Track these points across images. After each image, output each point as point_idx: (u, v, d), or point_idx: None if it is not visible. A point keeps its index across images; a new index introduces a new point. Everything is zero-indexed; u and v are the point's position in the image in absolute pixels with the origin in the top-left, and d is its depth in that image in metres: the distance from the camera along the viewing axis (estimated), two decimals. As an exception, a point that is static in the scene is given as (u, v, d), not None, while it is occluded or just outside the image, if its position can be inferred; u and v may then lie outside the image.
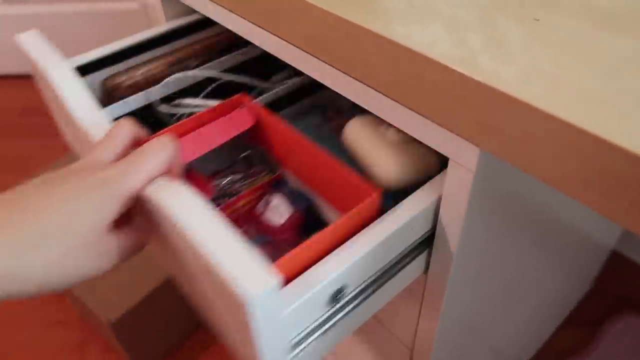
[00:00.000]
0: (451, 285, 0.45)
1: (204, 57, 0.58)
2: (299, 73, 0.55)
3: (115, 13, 1.57)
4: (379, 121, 0.45)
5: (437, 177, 0.41)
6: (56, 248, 0.29)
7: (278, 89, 0.53)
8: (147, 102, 0.54)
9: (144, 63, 0.56)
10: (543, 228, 0.56)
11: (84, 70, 0.54)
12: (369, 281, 0.39)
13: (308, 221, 0.46)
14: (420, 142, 0.41)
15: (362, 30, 0.35)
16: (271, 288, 0.28)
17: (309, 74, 0.43)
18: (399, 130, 0.43)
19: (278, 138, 0.47)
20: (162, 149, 0.34)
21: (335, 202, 0.44)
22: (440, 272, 0.44)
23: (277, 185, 0.49)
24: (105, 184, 0.31)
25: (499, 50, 0.31)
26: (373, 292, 0.40)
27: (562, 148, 0.27)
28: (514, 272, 0.59)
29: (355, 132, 0.46)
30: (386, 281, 0.41)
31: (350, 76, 0.38)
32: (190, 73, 0.55)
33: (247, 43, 0.55)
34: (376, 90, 0.37)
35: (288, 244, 0.43)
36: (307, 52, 0.41)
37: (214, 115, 0.47)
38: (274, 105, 0.53)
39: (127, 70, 0.55)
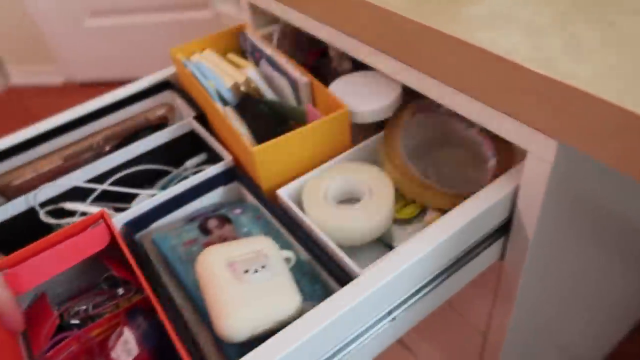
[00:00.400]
0: (526, 274, 0.48)
1: (118, 139, 0.56)
2: (213, 159, 0.54)
3: (191, 22, 1.69)
4: (237, 253, 0.40)
5: (515, 168, 0.45)
6: None
7: (142, 205, 0.48)
8: (28, 207, 0.50)
9: (41, 157, 0.54)
10: (617, 226, 0.57)
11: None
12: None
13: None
14: (283, 285, 0.38)
15: (449, 38, 0.39)
16: None
17: (404, 82, 0.47)
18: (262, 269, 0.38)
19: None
20: None
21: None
22: (516, 259, 0.47)
23: (134, 315, 0.44)
24: None
25: (575, 51, 0.35)
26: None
27: (632, 138, 0.30)
28: (586, 269, 0.60)
29: (205, 265, 0.39)
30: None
31: (438, 80, 0.43)
32: (75, 175, 0.52)
33: (162, 126, 0.58)
34: (462, 92, 0.41)
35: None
36: (397, 59, 0.46)
37: (72, 233, 0.44)
38: (146, 219, 0.49)
39: (20, 166, 0.53)
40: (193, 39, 0.63)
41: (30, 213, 0.51)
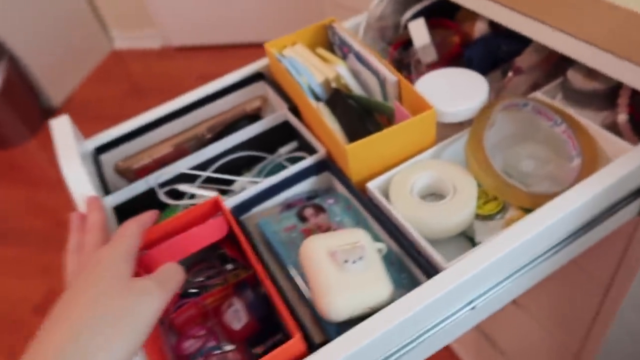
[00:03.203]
0: None
1: (219, 128, 0.63)
2: (304, 147, 0.61)
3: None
4: (337, 243, 0.44)
5: None
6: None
7: (246, 192, 0.54)
8: (148, 188, 0.57)
9: (155, 145, 0.63)
10: None
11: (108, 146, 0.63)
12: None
13: (266, 329, 0.49)
14: (377, 274, 0.43)
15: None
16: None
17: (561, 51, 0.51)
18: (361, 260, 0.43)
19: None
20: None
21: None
22: None
23: (242, 288, 0.52)
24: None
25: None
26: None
27: None
28: None
29: (309, 253, 0.44)
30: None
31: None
32: (184, 163, 0.58)
33: (256, 116, 0.62)
34: (627, 59, 0.45)
35: (241, 352, 0.47)
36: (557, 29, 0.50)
37: (189, 218, 0.50)
38: (249, 204, 0.55)
39: (138, 153, 0.62)
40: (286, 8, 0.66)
41: (148, 193, 0.59)
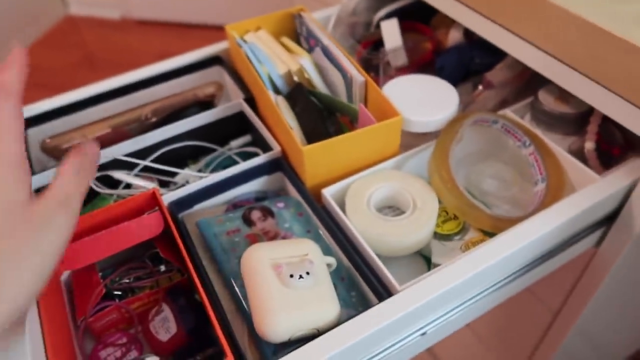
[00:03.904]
0: (618, 263, 0.52)
1: (166, 112, 0.56)
2: (258, 142, 0.56)
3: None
4: (283, 255, 0.40)
5: (635, 162, 0.48)
6: None
7: (189, 187, 0.49)
8: None
9: (89, 123, 0.55)
10: None
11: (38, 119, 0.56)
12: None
13: (197, 341, 0.44)
14: (325, 293, 0.39)
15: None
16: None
17: (536, 69, 0.50)
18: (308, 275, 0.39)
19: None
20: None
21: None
22: (613, 248, 0.51)
23: (174, 294, 0.46)
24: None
25: None
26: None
27: None
28: None
29: (252, 263, 0.40)
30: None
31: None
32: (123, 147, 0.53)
33: (209, 103, 0.58)
34: (602, 85, 0.44)
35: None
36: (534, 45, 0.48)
37: (122, 210, 0.45)
38: (191, 200, 0.50)
39: (71, 131, 0.54)
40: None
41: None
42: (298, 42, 0.62)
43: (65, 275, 0.49)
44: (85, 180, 0.33)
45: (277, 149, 0.52)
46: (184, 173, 0.56)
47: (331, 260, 0.43)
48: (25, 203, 0.29)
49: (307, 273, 0.39)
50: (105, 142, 0.55)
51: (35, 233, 0.29)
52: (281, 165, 0.52)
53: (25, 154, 0.31)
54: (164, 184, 0.56)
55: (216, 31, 2.16)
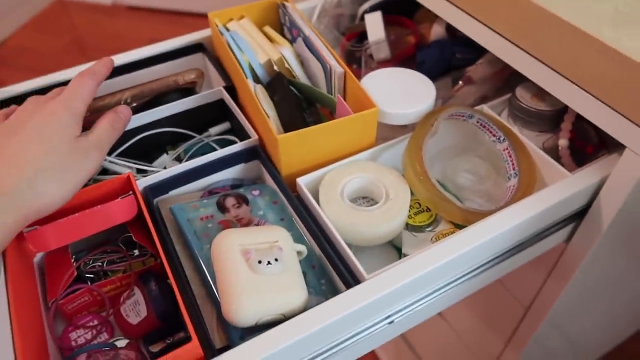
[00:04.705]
0: (587, 259, 0.53)
1: (146, 98, 0.56)
2: (236, 129, 0.56)
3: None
4: (253, 241, 0.41)
5: (605, 160, 0.48)
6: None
7: (164, 172, 0.49)
8: None
9: None
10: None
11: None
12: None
13: (168, 325, 0.44)
14: (292, 279, 0.40)
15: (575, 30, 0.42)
16: None
17: (513, 65, 0.51)
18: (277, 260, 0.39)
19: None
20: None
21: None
22: (583, 244, 0.52)
23: (146, 278, 0.46)
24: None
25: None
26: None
27: None
28: (627, 267, 0.66)
29: (221, 248, 0.40)
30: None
31: (553, 69, 0.46)
32: None
33: (189, 89, 0.57)
34: (576, 84, 0.45)
35: (134, 349, 0.42)
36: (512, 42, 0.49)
37: (96, 194, 0.46)
38: (166, 185, 0.50)
39: None
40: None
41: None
42: (281, 32, 0.62)
43: (38, 257, 0.49)
44: (116, 132, 0.47)
45: (254, 137, 0.52)
46: (162, 159, 0.56)
47: (302, 248, 0.43)
48: (74, 137, 0.43)
49: (276, 259, 0.39)
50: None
51: (77, 158, 0.42)
52: (258, 153, 0.52)
53: (83, 112, 0.45)
54: (141, 171, 0.56)
55: (206, 19, 2.15)
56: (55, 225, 0.44)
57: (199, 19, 2.21)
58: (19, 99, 0.57)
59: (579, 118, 0.53)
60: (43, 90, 0.57)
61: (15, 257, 0.43)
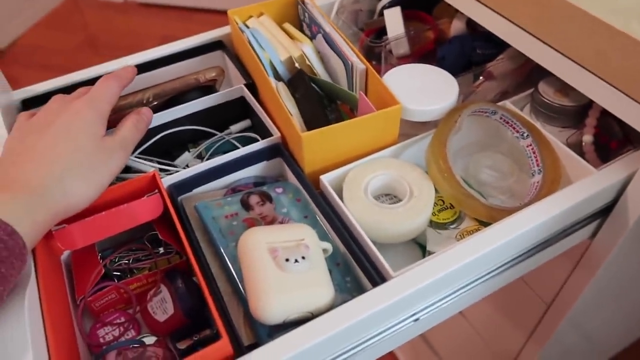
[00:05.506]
0: (612, 256, 0.53)
1: (167, 96, 0.56)
2: (257, 126, 0.56)
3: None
4: (279, 239, 0.41)
5: (631, 155, 0.48)
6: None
7: (188, 170, 0.49)
8: None
9: None
10: None
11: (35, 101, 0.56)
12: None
13: (194, 322, 0.45)
14: (319, 277, 0.40)
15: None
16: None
17: (537, 60, 0.50)
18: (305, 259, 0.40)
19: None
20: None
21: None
22: (608, 240, 0.52)
23: (173, 276, 0.46)
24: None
25: None
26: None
27: None
28: None
29: (248, 246, 0.40)
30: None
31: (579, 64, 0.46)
32: None
33: (210, 87, 0.57)
34: (602, 78, 0.44)
35: (162, 346, 0.43)
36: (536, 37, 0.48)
37: (121, 192, 0.46)
38: (190, 184, 0.50)
39: None
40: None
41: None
42: (300, 29, 0.62)
43: (65, 255, 0.50)
44: (140, 132, 0.48)
45: (276, 134, 0.52)
46: (185, 157, 0.56)
47: (327, 245, 0.43)
48: (100, 137, 0.44)
49: (303, 257, 0.40)
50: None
51: (103, 158, 0.43)
52: (280, 151, 0.52)
53: (108, 113, 0.46)
54: (164, 170, 0.57)
55: (219, 15, 2.15)
56: (83, 224, 0.44)
57: (211, 15, 2.21)
58: (42, 99, 0.57)
59: (603, 113, 0.52)
60: (64, 90, 0.58)
61: (44, 255, 0.44)
